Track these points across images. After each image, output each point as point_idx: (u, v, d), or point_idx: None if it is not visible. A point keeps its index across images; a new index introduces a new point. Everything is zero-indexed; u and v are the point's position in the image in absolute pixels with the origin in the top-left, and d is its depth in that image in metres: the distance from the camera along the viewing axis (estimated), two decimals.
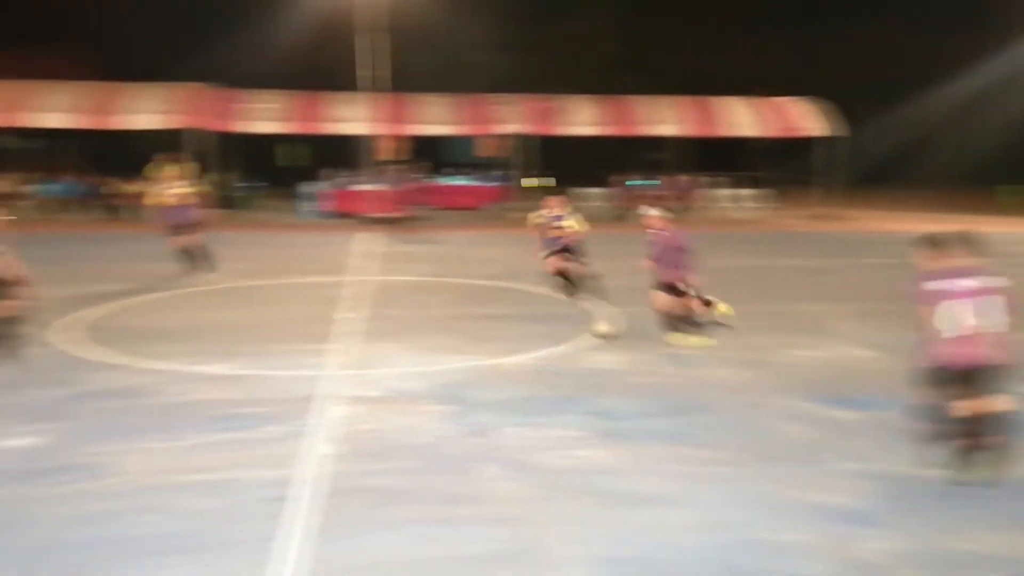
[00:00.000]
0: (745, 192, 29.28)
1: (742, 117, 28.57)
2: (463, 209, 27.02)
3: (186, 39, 35.22)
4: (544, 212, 13.24)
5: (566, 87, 29.46)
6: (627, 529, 5.23)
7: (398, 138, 27.33)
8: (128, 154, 25.24)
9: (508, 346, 9.76)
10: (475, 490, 5.77)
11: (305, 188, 27.41)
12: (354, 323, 10.98)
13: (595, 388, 8.19)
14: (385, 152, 26.82)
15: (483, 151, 29.55)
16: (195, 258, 14.50)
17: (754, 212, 28.40)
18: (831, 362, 9.35)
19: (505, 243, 20.22)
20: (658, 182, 28.21)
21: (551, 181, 30.30)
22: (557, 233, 12.88)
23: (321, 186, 27.22)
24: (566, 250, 12.80)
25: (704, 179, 29.25)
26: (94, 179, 25.65)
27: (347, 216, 25.27)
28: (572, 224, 12.85)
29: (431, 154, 32.97)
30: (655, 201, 27.12)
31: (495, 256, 18.21)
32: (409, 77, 28.27)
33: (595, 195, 27.75)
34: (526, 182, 28.08)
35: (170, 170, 23.09)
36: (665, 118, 27.92)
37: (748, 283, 14.59)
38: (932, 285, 5.75)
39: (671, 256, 9.88)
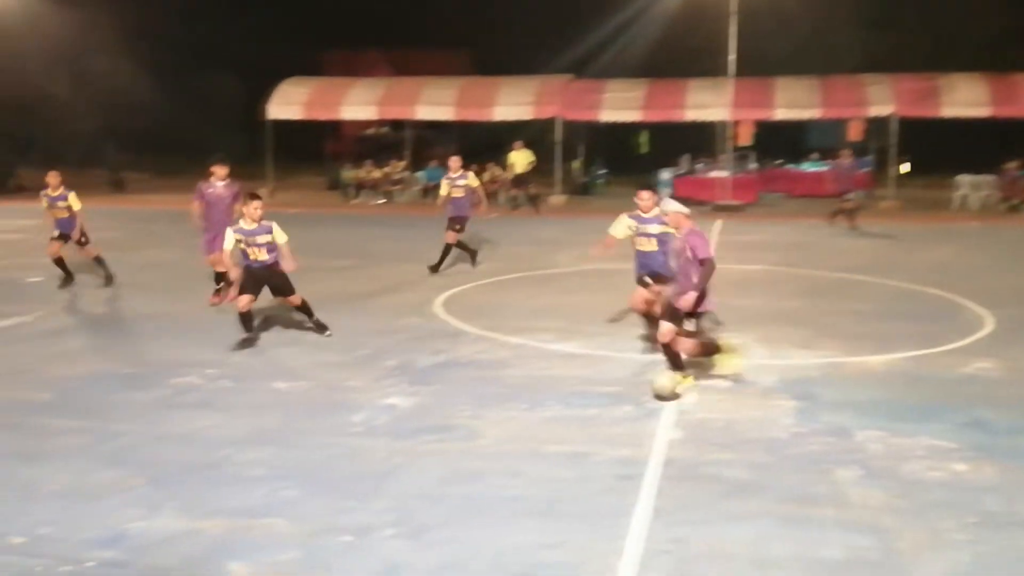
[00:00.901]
0: None
1: None
2: (826, 197, 25.60)
3: (550, 35, 37.16)
4: (628, 217, 8.85)
5: (942, 65, 26.75)
6: (1003, 557, 4.68)
7: (747, 123, 26.49)
8: (493, 143, 27.19)
9: (867, 344, 9.14)
10: (829, 492, 5.49)
11: (658, 175, 27.67)
12: None
13: (969, 397, 7.41)
14: (735, 138, 26.21)
15: (852, 135, 27.69)
16: (470, 251, 14.13)
17: None
18: None
19: (867, 233, 18.91)
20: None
21: (906, 167, 27.63)
22: (646, 247, 8.77)
23: (673, 173, 27.31)
24: (656, 275, 8.68)
25: None
26: None
27: (696, 203, 25.07)
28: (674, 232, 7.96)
29: (796, 139, 31.74)
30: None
31: (856, 247, 17.13)
32: (764, 60, 27.35)
33: (969, 182, 25.01)
34: (895, 168, 25.94)
35: (520, 156, 24.27)
36: None
37: None
38: None
39: (687, 270, 7.31)
